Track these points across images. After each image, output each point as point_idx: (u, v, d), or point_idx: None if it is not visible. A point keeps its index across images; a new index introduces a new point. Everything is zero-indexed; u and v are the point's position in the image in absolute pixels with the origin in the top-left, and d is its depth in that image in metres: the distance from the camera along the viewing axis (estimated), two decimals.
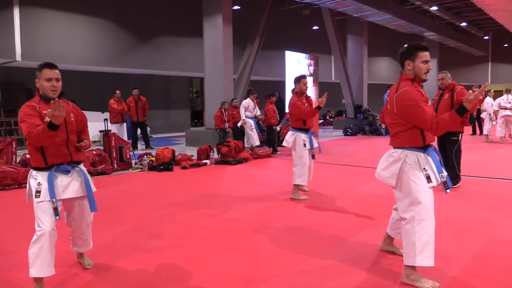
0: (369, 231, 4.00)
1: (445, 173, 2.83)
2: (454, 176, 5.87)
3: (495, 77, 27.06)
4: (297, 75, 5.62)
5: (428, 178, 2.78)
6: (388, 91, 12.26)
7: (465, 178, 6.24)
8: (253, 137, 10.09)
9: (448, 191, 2.81)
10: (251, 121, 10.26)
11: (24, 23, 10.71)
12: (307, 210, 4.87)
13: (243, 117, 10.27)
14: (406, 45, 2.99)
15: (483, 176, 6.64)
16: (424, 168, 2.80)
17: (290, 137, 5.35)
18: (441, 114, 5.93)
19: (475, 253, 3.39)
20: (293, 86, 5.56)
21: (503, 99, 11.40)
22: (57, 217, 2.76)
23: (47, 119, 2.73)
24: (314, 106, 5.25)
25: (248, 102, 10.56)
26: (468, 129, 13.16)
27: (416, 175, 2.80)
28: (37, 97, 2.94)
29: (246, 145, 10.07)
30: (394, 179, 2.90)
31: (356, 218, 4.48)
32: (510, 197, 5.28)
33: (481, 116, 13.47)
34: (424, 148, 2.88)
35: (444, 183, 2.80)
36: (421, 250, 2.73)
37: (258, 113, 10.69)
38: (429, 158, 2.85)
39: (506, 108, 11.29)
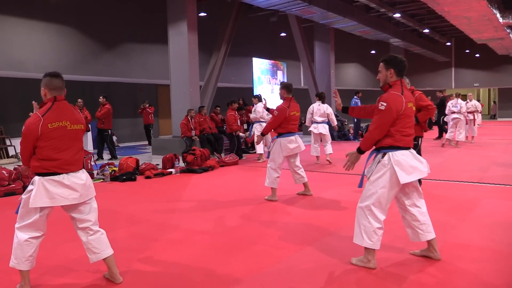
0: (329, 238, 3.98)
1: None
2: None
3: (458, 82, 27.94)
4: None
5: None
6: (356, 96, 12.25)
7: (425, 181, 6.33)
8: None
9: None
10: None
11: None
12: (269, 218, 4.81)
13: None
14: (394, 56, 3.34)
15: (443, 179, 6.76)
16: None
17: None
18: None
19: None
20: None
21: (452, 103, 11.83)
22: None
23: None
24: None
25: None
26: (433, 133, 13.46)
27: None
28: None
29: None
30: None
31: (317, 224, 4.46)
32: (467, 200, 5.39)
33: (445, 119, 13.83)
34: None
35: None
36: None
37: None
38: None
39: (454, 112, 11.72)
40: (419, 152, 5.98)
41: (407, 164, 3.13)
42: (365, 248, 3.22)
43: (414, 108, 3.27)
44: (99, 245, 3.03)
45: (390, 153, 3.15)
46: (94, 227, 3.04)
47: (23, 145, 2.94)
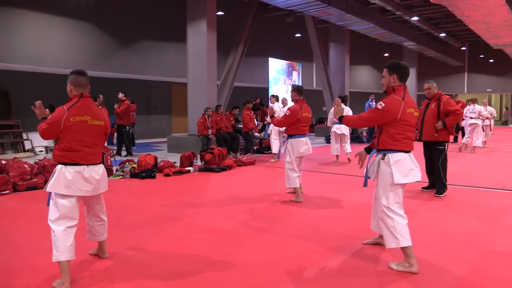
0: (359, 242, 3.93)
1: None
2: (441, 185, 5.88)
3: (471, 87, 27.74)
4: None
5: None
6: (371, 99, 12.44)
7: (450, 187, 6.26)
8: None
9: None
10: None
11: (2, 25, 10.39)
12: (296, 220, 4.77)
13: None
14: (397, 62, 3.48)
15: (468, 185, 6.68)
16: None
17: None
18: (427, 123, 6.03)
19: (471, 264, 3.34)
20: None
21: (470, 109, 11.75)
22: None
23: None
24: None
25: None
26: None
27: None
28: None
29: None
30: None
31: (349, 226, 4.41)
32: (496, 207, 5.31)
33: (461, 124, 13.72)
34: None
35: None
36: None
37: None
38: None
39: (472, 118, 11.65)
40: (445, 156, 5.93)
41: (405, 166, 3.27)
42: (404, 252, 3.17)
43: (415, 114, 3.39)
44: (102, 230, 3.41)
45: (389, 154, 3.29)
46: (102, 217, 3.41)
47: (48, 131, 3.10)
